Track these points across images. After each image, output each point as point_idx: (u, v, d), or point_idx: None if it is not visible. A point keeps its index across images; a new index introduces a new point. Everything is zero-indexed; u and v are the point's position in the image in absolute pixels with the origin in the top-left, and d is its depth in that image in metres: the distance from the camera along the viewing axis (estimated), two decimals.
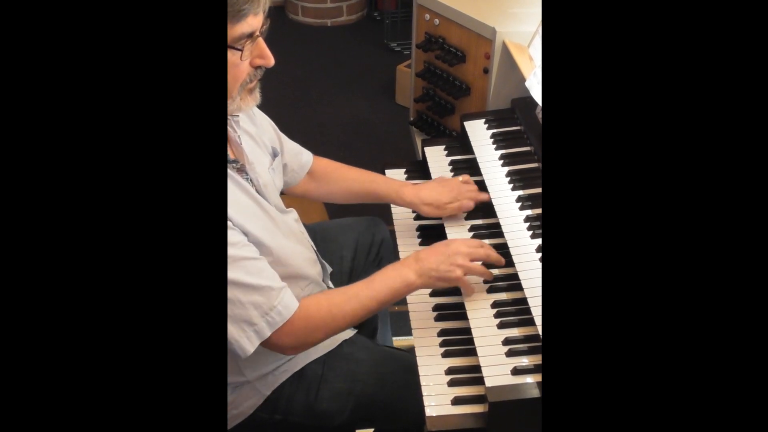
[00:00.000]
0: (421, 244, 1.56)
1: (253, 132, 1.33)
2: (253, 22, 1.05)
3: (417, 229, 1.61)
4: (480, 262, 1.29)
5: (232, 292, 1.09)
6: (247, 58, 1.08)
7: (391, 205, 1.67)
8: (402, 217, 1.65)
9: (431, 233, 1.58)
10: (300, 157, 1.54)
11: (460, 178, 1.57)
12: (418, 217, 1.64)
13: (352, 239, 1.67)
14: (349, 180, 1.58)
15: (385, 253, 1.71)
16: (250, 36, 1.06)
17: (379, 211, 1.82)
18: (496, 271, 1.35)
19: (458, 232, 1.50)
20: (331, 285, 1.53)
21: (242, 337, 1.12)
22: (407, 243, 1.57)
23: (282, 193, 1.44)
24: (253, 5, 1.03)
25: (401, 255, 1.54)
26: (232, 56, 1.06)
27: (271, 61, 1.12)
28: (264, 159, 1.33)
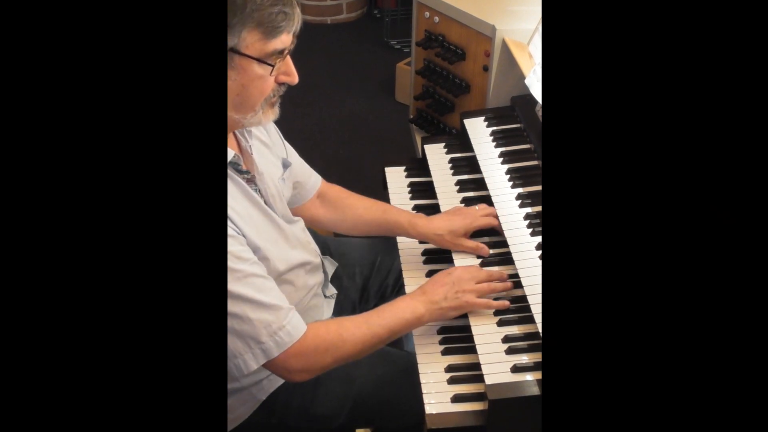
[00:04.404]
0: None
1: (266, 140, 1.35)
2: (286, 39, 1.10)
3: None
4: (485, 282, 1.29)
5: (240, 308, 1.09)
6: (276, 74, 1.12)
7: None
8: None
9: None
10: (310, 178, 1.53)
11: (476, 207, 1.50)
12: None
13: (371, 256, 1.62)
14: (360, 208, 1.53)
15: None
16: (281, 53, 1.10)
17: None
18: (495, 269, 1.35)
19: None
20: (327, 294, 1.50)
21: (247, 353, 1.11)
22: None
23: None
24: (288, 24, 1.08)
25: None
26: (262, 71, 1.09)
27: (295, 78, 1.16)
28: (275, 169, 1.34)
